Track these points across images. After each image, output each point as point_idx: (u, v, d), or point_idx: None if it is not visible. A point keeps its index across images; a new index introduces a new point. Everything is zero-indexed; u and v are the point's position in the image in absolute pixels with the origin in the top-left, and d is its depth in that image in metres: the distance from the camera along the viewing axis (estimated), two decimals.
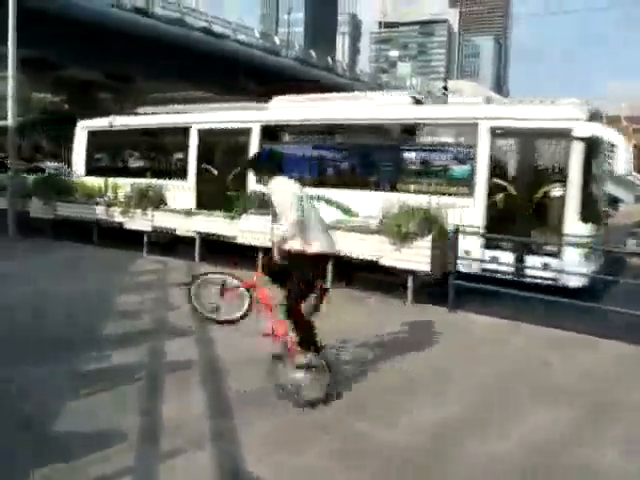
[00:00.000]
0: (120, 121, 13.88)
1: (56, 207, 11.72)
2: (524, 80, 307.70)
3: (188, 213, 9.89)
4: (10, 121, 11.93)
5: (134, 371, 4.69)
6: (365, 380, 4.71)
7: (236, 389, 4.37)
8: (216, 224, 9.41)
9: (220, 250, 9.58)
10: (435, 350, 5.57)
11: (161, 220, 10.22)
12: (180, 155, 12.55)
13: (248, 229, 8.82)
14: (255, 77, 34.40)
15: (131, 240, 10.40)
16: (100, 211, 11.12)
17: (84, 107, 48.06)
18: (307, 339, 4.30)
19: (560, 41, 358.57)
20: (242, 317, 4.71)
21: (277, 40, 40.16)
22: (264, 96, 39.00)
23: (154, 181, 11.09)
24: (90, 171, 13.80)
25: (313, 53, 41.15)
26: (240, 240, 9.07)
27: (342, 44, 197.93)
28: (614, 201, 34.00)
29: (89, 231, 11.30)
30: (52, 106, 55.48)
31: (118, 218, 10.78)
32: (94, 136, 14.10)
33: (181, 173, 12.05)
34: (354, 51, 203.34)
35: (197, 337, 5.62)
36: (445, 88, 38.29)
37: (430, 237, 6.98)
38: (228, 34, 31.78)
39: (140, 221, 10.45)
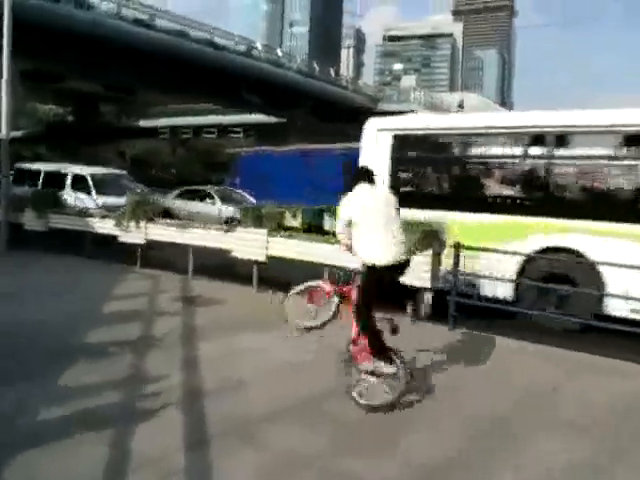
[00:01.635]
0: (450, 121, 9.27)
1: (49, 219, 11.46)
2: (528, 93, 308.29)
3: (182, 225, 9.61)
4: (4, 133, 11.70)
5: None
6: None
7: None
8: (211, 237, 9.13)
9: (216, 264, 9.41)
10: (431, 372, 5.24)
11: (155, 233, 9.95)
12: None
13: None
14: (258, 90, 34.40)
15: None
16: (93, 223, 10.86)
17: (87, 119, 48.36)
18: (375, 345, 4.36)
19: (565, 52, 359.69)
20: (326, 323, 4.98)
21: (280, 52, 40.21)
22: (270, 109, 38.63)
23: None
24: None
25: (316, 66, 41.17)
26: (236, 254, 8.79)
27: (347, 57, 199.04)
28: None
29: (83, 243, 11.04)
30: (56, 117, 55.71)
31: (112, 230, 10.51)
32: (402, 144, 8.75)
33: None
34: (358, 64, 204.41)
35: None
36: (461, 106, 38.13)
37: (430, 252, 6.68)
38: (230, 46, 31.77)
39: (134, 234, 10.18)
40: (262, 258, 8.38)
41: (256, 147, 28.94)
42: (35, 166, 17.16)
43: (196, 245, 9.34)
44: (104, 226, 10.59)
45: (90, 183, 15.01)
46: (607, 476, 3.63)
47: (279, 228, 8.83)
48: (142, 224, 10.04)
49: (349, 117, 41.65)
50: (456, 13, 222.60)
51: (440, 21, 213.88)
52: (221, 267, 9.47)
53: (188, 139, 56.14)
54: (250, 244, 8.46)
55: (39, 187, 14.71)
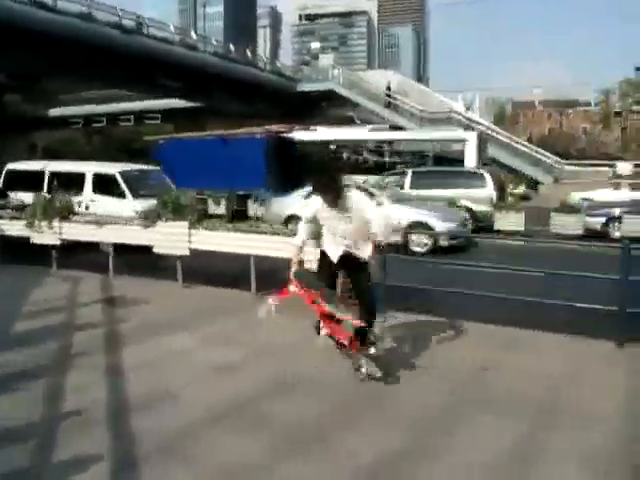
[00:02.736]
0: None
1: None
2: (443, 70, 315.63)
3: (99, 222, 9.14)
4: None
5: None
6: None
7: None
8: (130, 233, 8.74)
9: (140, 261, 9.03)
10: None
11: (70, 232, 9.41)
12: None
13: None
14: (173, 74, 33.27)
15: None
16: (3, 225, 10.13)
17: None
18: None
19: (477, 29, 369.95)
20: None
21: (194, 35, 38.99)
22: (187, 94, 37.66)
23: None
24: None
25: (232, 47, 40.26)
26: (157, 250, 8.47)
27: (263, 38, 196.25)
28: (535, 182, 35.18)
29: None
30: None
31: (23, 232, 9.85)
32: None
33: None
34: (275, 44, 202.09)
35: None
36: (389, 88, 38.24)
37: None
38: (141, 29, 30.45)
39: (47, 234, 9.59)
40: (185, 252, 8.12)
41: (174, 134, 28.11)
42: (35, 166, 14.39)
43: (115, 242, 8.96)
44: (12, 228, 9.92)
45: (122, 184, 12.36)
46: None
47: (203, 217, 8.61)
48: (55, 223, 9.49)
49: (269, 99, 41.15)
50: None
51: None
52: (147, 262, 9.11)
53: (103, 127, 53.76)
54: (171, 238, 8.17)
55: (44, 192, 11.59)
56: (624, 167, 45.09)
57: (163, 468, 3.44)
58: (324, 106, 41.11)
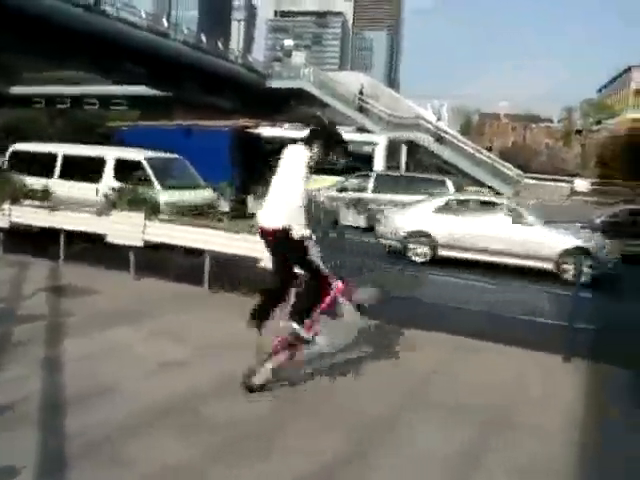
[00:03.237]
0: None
1: None
2: (414, 75, 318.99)
3: (51, 208, 8.82)
4: None
5: None
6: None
7: None
8: (83, 220, 8.47)
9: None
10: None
11: (20, 216, 9.07)
12: None
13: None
14: (142, 61, 32.66)
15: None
16: None
17: None
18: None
19: (449, 37, 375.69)
20: None
21: (165, 22, 38.31)
22: (155, 81, 36.95)
23: None
24: None
25: (204, 38, 39.76)
26: (111, 239, 8.22)
27: (237, 31, 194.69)
28: (496, 193, 35.83)
29: None
30: None
31: None
32: None
33: None
34: (249, 38, 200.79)
35: None
36: (361, 92, 38.30)
37: None
38: (110, 12, 29.74)
39: None
40: (139, 243, 7.91)
41: (139, 121, 27.54)
42: (46, 148, 12.92)
43: (67, 229, 8.67)
44: None
45: (150, 172, 11.13)
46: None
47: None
48: (6, 207, 9.13)
49: (238, 93, 40.79)
50: None
51: None
52: (102, 250, 8.84)
53: (67, 109, 52.38)
54: (126, 228, 7.95)
55: (55, 179, 10.84)
56: (582, 184, 46.58)
57: (91, 472, 3.30)
58: (293, 104, 40.95)
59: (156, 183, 11.00)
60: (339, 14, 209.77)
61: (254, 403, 4.29)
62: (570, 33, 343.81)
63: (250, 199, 17.55)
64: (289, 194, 4.30)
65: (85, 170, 11.04)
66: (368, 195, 17.12)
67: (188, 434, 3.79)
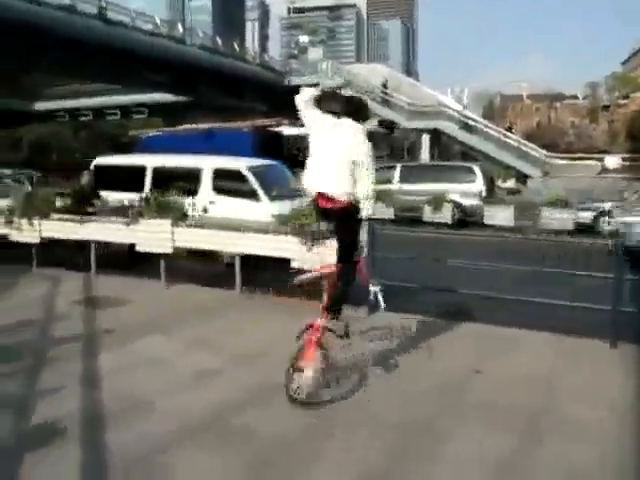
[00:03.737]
0: None
1: None
2: (432, 64, 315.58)
3: (79, 220, 8.87)
4: None
5: None
6: None
7: None
8: (111, 230, 8.50)
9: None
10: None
11: (50, 229, 9.14)
12: None
13: None
14: (160, 68, 32.90)
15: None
16: None
17: None
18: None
19: (466, 22, 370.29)
20: None
21: (180, 28, 38.51)
22: (175, 88, 37.11)
23: None
24: None
25: (219, 41, 39.87)
26: (140, 248, 8.23)
27: (252, 31, 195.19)
28: (524, 176, 35.20)
29: None
30: None
31: (1, 230, 9.56)
32: None
33: None
34: (263, 37, 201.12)
35: None
36: (385, 86, 37.97)
37: None
38: (126, 21, 30.01)
39: (27, 232, 9.32)
40: (168, 250, 7.89)
41: (161, 128, 27.75)
42: (133, 160, 12.44)
43: (97, 240, 8.72)
44: None
45: (254, 182, 10.05)
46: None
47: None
48: (35, 221, 9.22)
49: (257, 93, 40.81)
50: None
51: None
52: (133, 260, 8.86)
53: (90, 121, 53.23)
54: (154, 236, 7.94)
55: (147, 192, 9.63)
56: (612, 161, 45.41)
57: None
58: None
59: (262, 194, 9.94)
60: (352, 6, 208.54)
61: (289, 414, 4.16)
62: (589, 12, 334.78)
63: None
64: (360, 166, 4.12)
65: (179, 183, 9.59)
66: (394, 186, 16.90)
67: (225, 448, 3.70)
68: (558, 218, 14.58)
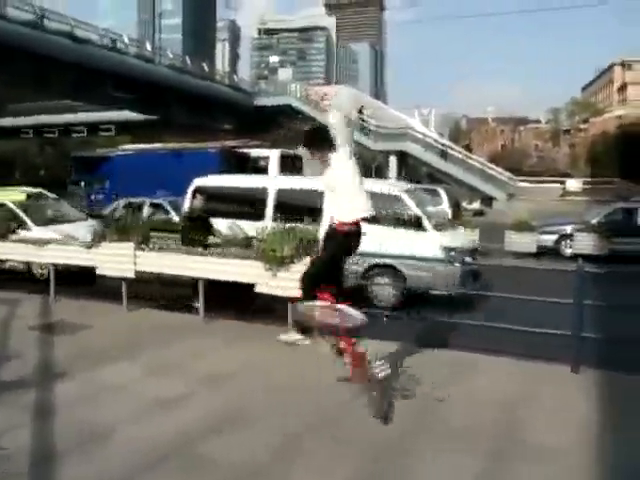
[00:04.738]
0: None
1: None
2: (400, 87, 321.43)
3: (39, 242, 8.64)
4: None
5: None
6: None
7: None
8: (72, 254, 8.29)
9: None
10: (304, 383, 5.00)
11: (6, 252, 8.88)
12: None
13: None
14: (128, 86, 32.68)
15: None
16: None
17: None
18: None
19: (435, 48, 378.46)
20: None
21: (149, 46, 38.39)
22: (142, 106, 36.80)
23: None
24: None
25: (189, 60, 39.84)
26: (101, 271, 8.05)
27: (222, 51, 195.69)
28: (489, 198, 35.98)
29: None
30: None
31: None
32: None
33: None
34: (234, 58, 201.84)
35: None
36: (361, 112, 38.22)
37: (307, 260, 6.43)
38: (94, 39, 29.77)
39: None
40: (130, 274, 7.73)
41: (124, 146, 27.43)
42: (250, 181, 10.91)
43: (56, 263, 8.50)
44: None
45: (417, 210, 8.83)
46: None
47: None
48: None
49: (226, 113, 40.83)
50: (328, 6, 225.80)
51: (314, 14, 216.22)
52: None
53: (55, 138, 52.39)
54: (116, 259, 7.77)
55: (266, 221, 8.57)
56: (573, 184, 46.68)
57: None
58: (282, 121, 41.01)
59: (427, 223, 8.78)
60: (323, 29, 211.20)
61: (258, 440, 4.08)
62: (551, 37, 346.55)
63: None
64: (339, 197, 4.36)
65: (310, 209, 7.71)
66: None
67: (190, 479, 3.59)
68: (522, 241, 14.85)
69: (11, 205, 10.98)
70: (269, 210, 9.43)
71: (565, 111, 76.13)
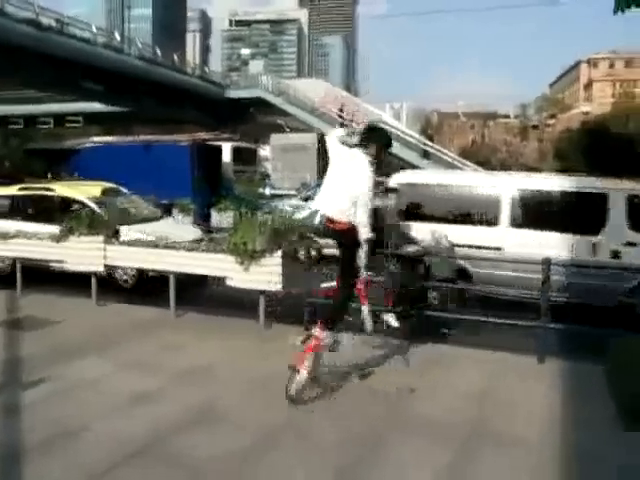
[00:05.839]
0: None
1: None
2: (372, 80, 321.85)
3: (4, 236, 8.46)
4: None
5: None
6: None
7: None
8: (39, 248, 8.13)
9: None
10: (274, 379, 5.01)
11: None
12: None
13: None
14: (97, 77, 32.07)
15: None
16: None
17: None
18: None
19: (405, 42, 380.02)
20: None
21: (117, 37, 37.69)
22: (112, 98, 36.09)
23: None
24: None
25: (159, 51, 39.25)
26: (69, 266, 7.92)
27: (193, 42, 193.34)
28: None
29: None
30: None
31: None
32: None
33: None
34: (205, 49, 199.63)
35: None
36: (341, 110, 38.17)
37: (280, 253, 6.45)
38: (59, 28, 29.06)
39: None
40: (99, 269, 7.63)
41: (92, 138, 26.91)
42: (470, 179, 9.08)
43: (23, 258, 8.33)
44: None
45: None
46: None
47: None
48: None
49: (197, 105, 40.39)
50: None
51: (286, 6, 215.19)
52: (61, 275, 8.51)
53: (20, 129, 51.10)
54: (85, 254, 7.66)
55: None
56: None
57: None
58: (253, 113, 40.79)
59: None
60: (295, 21, 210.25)
61: (232, 435, 4.09)
62: (519, 32, 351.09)
63: (214, 213, 17.40)
64: (359, 195, 4.45)
65: (558, 216, 7.36)
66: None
67: (163, 473, 3.59)
68: None
69: (91, 204, 9.54)
70: (505, 215, 7.70)
71: (533, 107, 77.40)
